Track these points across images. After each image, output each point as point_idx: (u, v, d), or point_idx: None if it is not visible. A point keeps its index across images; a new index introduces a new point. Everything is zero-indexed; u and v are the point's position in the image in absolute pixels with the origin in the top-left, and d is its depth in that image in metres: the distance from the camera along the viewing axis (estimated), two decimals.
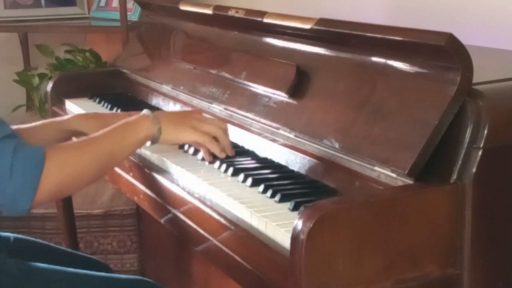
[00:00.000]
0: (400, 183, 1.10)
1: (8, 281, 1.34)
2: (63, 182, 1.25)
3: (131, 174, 1.58)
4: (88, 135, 1.36)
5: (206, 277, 2.00)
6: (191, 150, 1.51)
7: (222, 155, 1.42)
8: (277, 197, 1.21)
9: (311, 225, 0.96)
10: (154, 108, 1.88)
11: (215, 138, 1.42)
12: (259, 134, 1.47)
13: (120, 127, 1.36)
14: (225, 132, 1.44)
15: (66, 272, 1.42)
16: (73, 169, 1.27)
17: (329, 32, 1.35)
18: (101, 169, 1.33)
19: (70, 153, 1.28)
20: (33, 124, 1.64)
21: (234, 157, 1.45)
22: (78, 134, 1.59)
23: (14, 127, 1.60)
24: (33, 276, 1.38)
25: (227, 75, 1.62)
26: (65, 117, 1.66)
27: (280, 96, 1.43)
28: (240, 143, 1.54)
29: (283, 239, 1.08)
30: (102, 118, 1.61)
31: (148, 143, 1.40)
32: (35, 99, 3.02)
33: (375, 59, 1.25)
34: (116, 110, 1.91)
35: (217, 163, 1.41)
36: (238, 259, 1.15)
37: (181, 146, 1.55)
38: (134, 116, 1.40)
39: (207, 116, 1.50)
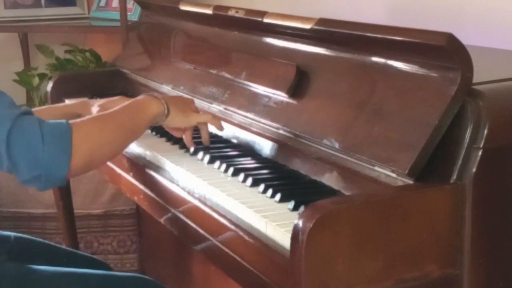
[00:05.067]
0: (400, 183, 1.10)
1: (7, 285, 1.34)
2: (92, 150, 1.28)
3: (131, 174, 1.58)
4: (108, 111, 1.40)
5: (206, 277, 2.00)
6: (191, 150, 1.51)
7: (222, 128, 1.52)
8: (277, 197, 1.21)
9: (311, 225, 0.96)
10: None
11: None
12: (259, 134, 1.47)
13: (132, 105, 1.42)
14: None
15: (65, 273, 1.42)
16: (98, 138, 1.30)
17: (329, 32, 1.35)
18: (122, 141, 1.38)
19: (93, 124, 1.32)
20: (43, 107, 1.74)
21: (234, 157, 1.45)
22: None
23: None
24: (32, 279, 1.37)
25: (227, 75, 1.62)
26: (73, 102, 1.76)
27: (280, 96, 1.43)
28: (240, 143, 1.54)
29: (283, 239, 1.08)
30: (102, 107, 1.67)
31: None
32: (35, 99, 3.02)
33: (375, 59, 1.25)
34: None
35: (217, 163, 1.42)
36: (238, 259, 1.15)
37: (182, 146, 1.55)
38: (140, 97, 1.45)
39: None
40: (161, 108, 1.43)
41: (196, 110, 1.51)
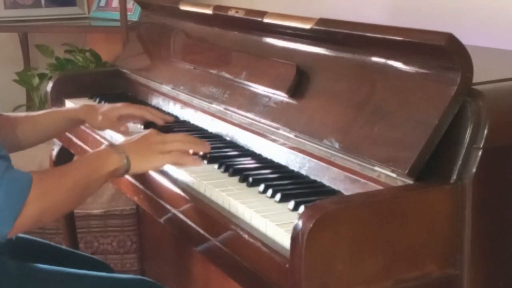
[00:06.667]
0: (400, 183, 1.10)
1: (8, 284, 1.34)
2: (44, 210, 1.24)
3: None
4: (66, 164, 1.36)
5: (206, 277, 2.00)
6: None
7: (199, 163, 1.41)
8: (277, 197, 1.21)
9: (311, 225, 0.96)
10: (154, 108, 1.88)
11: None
12: (259, 134, 1.47)
13: (92, 160, 1.37)
14: (188, 139, 1.44)
15: (66, 273, 1.42)
16: (55, 197, 1.26)
17: (329, 32, 1.35)
18: (77, 199, 1.34)
19: (52, 182, 1.27)
20: (41, 112, 1.73)
21: (234, 157, 1.45)
22: (82, 123, 1.72)
23: (23, 114, 1.72)
24: (34, 278, 1.38)
25: (227, 75, 1.62)
26: (72, 107, 1.75)
27: (280, 96, 1.43)
28: (240, 143, 1.54)
29: (283, 239, 1.08)
30: (99, 109, 1.71)
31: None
32: (35, 99, 3.02)
33: (375, 59, 1.25)
34: None
35: (217, 163, 1.41)
36: (238, 259, 1.15)
37: None
38: (100, 150, 1.39)
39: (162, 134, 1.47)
40: (121, 162, 1.35)
41: (161, 150, 1.39)
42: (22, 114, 1.73)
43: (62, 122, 1.71)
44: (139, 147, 1.40)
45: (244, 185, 1.30)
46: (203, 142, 1.45)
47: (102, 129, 1.73)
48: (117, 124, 1.70)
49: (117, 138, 1.70)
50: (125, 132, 1.67)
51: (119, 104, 1.75)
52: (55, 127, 1.71)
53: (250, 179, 1.30)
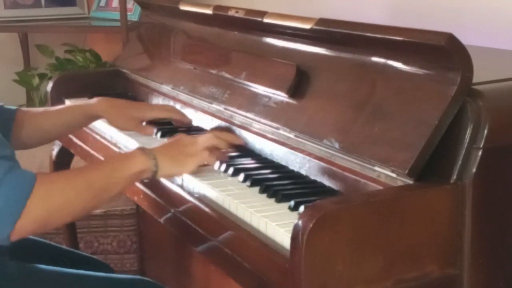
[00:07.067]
0: (400, 183, 1.10)
1: (9, 284, 1.34)
2: (49, 212, 1.19)
3: None
4: (81, 167, 1.33)
5: (206, 277, 2.00)
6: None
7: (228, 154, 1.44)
8: (277, 197, 1.21)
9: (311, 225, 0.96)
10: None
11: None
12: (259, 134, 1.47)
13: (113, 160, 1.35)
14: (217, 136, 1.43)
15: (66, 273, 1.42)
16: (61, 200, 1.21)
17: (329, 32, 1.35)
18: (91, 202, 1.27)
19: (60, 183, 1.23)
20: (59, 107, 1.71)
21: (234, 157, 1.45)
22: (100, 118, 1.69)
23: (41, 109, 1.70)
24: (34, 278, 1.37)
25: (227, 75, 1.62)
26: (90, 101, 1.70)
27: (280, 96, 1.43)
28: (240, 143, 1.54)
29: (283, 239, 1.08)
30: (123, 109, 1.66)
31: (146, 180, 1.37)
32: (35, 99, 3.02)
33: (375, 59, 1.25)
34: None
35: (217, 163, 1.41)
36: (238, 259, 1.15)
37: None
38: (127, 152, 1.37)
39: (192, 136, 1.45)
40: (148, 164, 1.31)
41: (193, 152, 1.37)
42: (40, 109, 1.69)
43: (80, 117, 1.66)
44: (169, 150, 1.36)
45: (244, 185, 1.31)
46: (235, 136, 1.46)
47: (124, 130, 1.68)
48: (142, 126, 1.66)
49: (117, 138, 1.70)
50: (151, 134, 1.64)
51: (142, 107, 1.72)
52: (74, 123, 1.67)
53: (250, 179, 1.30)
